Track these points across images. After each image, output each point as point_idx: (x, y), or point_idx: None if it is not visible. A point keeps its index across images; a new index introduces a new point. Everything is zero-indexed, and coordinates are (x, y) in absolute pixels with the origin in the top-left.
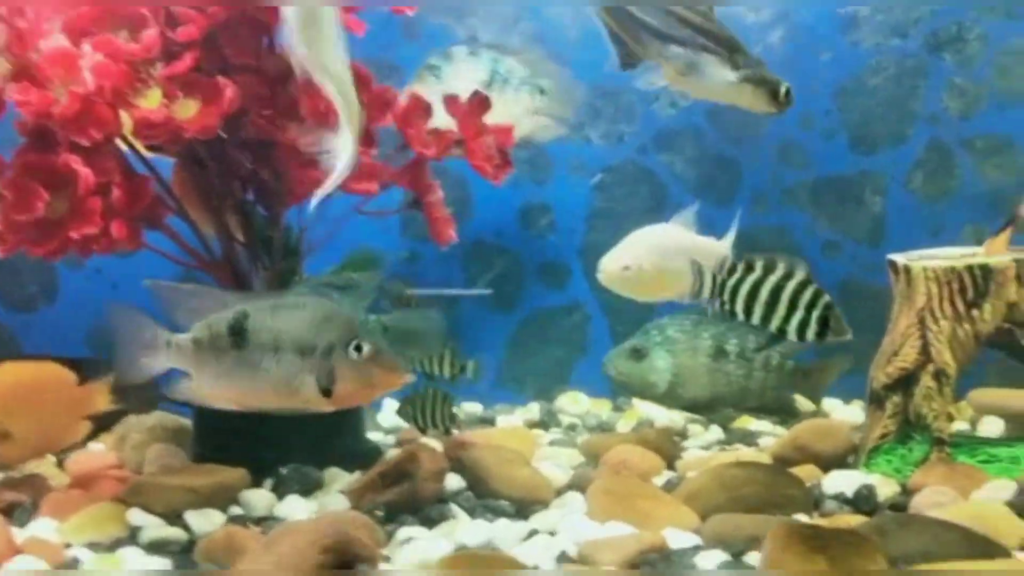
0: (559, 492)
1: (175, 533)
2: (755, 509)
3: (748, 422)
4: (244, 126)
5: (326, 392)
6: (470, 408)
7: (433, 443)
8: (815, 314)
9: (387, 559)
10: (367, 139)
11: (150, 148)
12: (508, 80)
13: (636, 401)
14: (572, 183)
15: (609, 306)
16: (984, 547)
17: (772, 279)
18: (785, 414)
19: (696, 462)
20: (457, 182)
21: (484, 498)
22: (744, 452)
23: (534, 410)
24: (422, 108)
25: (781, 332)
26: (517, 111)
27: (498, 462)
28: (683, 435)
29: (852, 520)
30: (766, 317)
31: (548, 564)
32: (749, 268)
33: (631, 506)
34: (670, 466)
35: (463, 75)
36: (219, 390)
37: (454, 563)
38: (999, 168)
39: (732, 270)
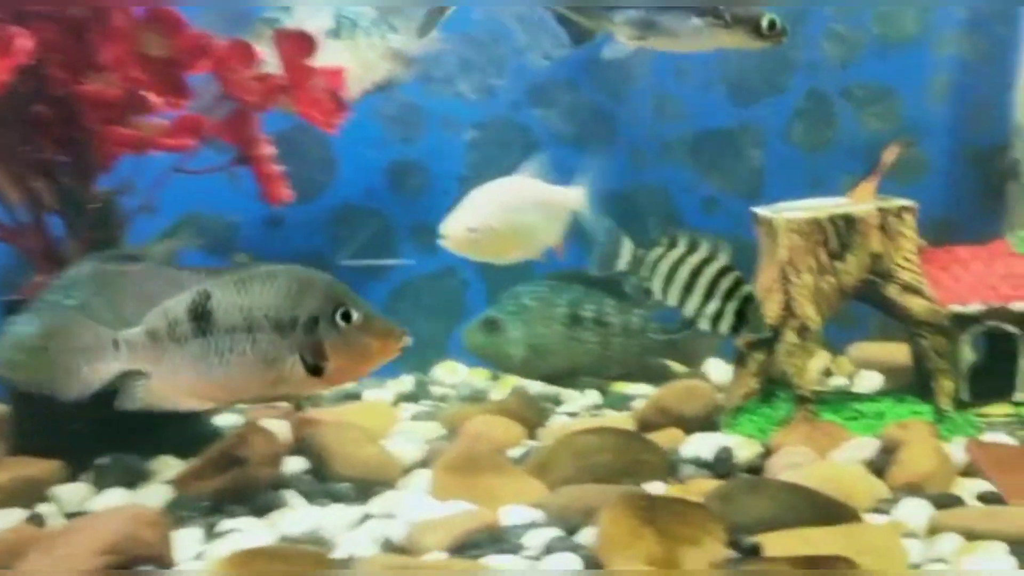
0: (409, 470)
1: None
2: (606, 478)
3: (626, 386)
4: (44, 80)
5: (315, 371)
6: None
7: (277, 423)
8: (731, 306)
9: (199, 556)
10: (180, 88)
11: None
12: (356, 24)
13: None
14: (444, 140)
15: (487, 270)
16: (831, 511)
17: (692, 260)
18: (654, 379)
19: (558, 430)
20: (319, 141)
21: (326, 481)
22: (609, 417)
23: (406, 382)
24: (243, 53)
25: (693, 320)
26: (371, 56)
27: (341, 441)
28: (557, 401)
29: (708, 485)
30: (682, 301)
31: (374, 552)
32: (671, 245)
33: (474, 482)
34: (533, 435)
35: (306, 25)
36: (184, 387)
37: (239, 561)
38: (879, 117)
39: (652, 244)
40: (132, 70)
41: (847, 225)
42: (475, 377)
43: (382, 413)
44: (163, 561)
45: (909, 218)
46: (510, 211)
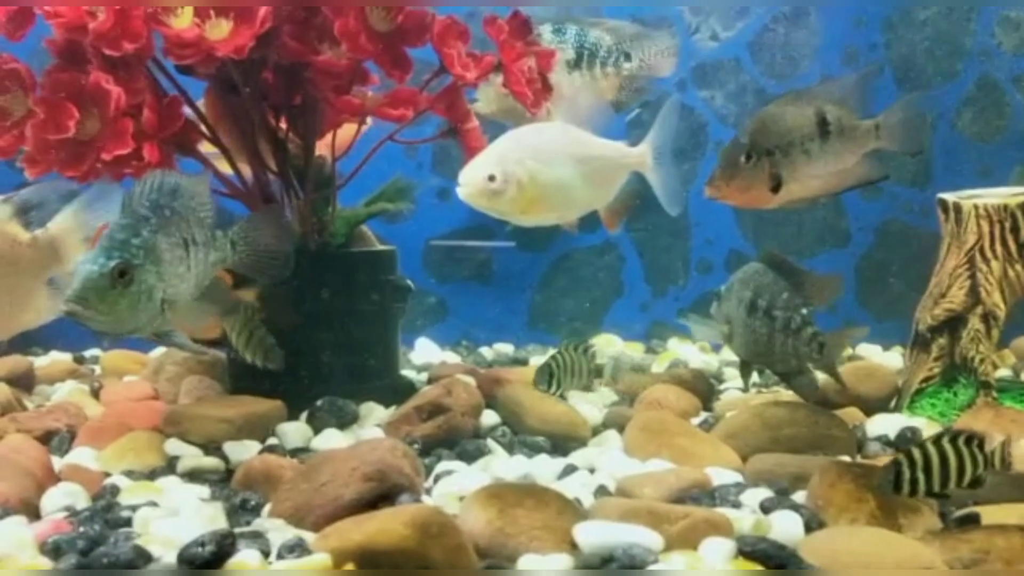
0: (595, 430)
1: (212, 463)
2: (796, 450)
3: None
4: (277, 49)
5: None
6: (501, 348)
7: (467, 379)
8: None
9: (427, 491)
10: (403, 63)
11: (181, 70)
12: (596, 54)
13: (671, 345)
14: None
15: (644, 246)
16: None
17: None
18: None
19: (734, 402)
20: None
21: (520, 434)
22: (783, 394)
23: None
24: (460, 30)
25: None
26: (604, 85)
27: (533, 399)
28: (719, 378)
29: None
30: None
31: (587, 498)
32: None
33: (669, 443)
34: (706, 407)
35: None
36: None
37: (495, 493)
38: None
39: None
40: (361, 43)
41: None
42: (631, 350)
43: None
44: (415, 490)
45: None
46: (543, 162)
